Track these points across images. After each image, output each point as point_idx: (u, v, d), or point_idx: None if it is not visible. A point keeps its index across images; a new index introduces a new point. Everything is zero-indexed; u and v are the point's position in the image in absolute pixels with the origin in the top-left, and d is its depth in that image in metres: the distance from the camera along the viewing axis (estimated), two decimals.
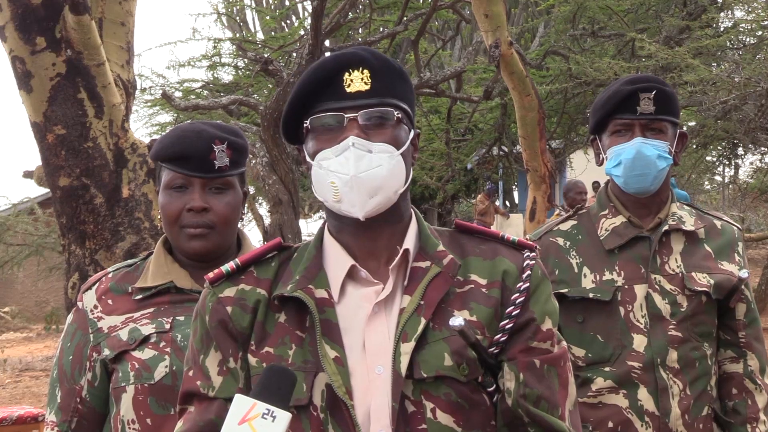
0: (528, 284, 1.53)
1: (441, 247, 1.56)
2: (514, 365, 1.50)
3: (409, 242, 1.55)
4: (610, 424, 2.34)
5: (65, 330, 2.10)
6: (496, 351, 1.50)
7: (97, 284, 2.09)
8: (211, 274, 1.59)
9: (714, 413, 2.39)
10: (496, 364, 1.50)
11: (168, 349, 1.95)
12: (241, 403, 1.38)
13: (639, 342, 2.34)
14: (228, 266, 1.58)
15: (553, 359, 1.53)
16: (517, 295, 1.52)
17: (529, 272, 1.54)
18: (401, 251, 1.53)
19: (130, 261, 2.16)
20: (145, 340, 1.97)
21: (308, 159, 1.55)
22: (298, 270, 1.56)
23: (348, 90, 1.50)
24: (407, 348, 1.46)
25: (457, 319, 1.44)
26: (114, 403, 1.99)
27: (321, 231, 1.61)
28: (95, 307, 2.05)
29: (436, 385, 1.46)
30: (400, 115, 1.53)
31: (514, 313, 1.51)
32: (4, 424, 5.44)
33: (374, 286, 1.53)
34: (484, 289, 1.53)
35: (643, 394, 2.33)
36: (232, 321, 1.54)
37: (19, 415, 5.58)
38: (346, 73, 1.51)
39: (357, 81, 1.51)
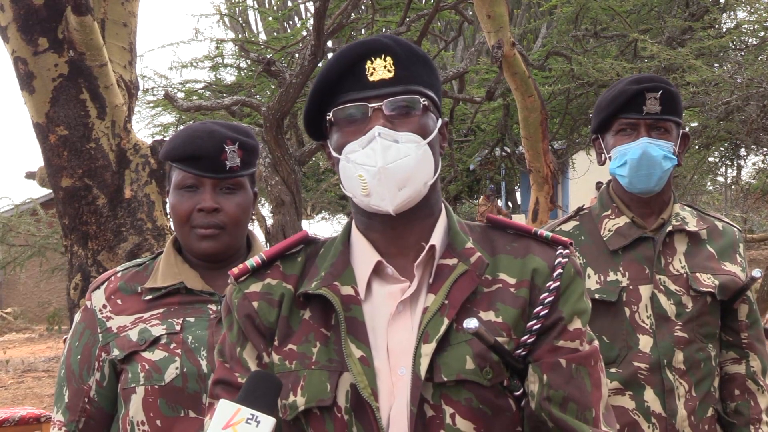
0: (558, 283, 1.47)
1: (470, 244, 1.50)
2: (538, 366, 1.44)
3: (437, 238, 1.49)
4: (617, 426, 2.33)
5: (73, 329, 2.09)
6: (523, 353, 1.45)
7: (106, 284, 2.08)
8: (235, 270, 1.54)
9: (717, 414, 2.39)
10: (524, 367, 1.44)
11: (179, 351, 1.94)
12: (225, 408, 1.37)
13: (645, 343, 2.34)
14: (253, 261, 1.53)
15: (582, 358, 1.46)
16: (546, 294, 1.46)
17: (560, 271, 1.48)
18: (427, 248, 1.48)
19: (138, 260, 2.15)
20: (155, 341, 1.96)
21: (334, 153, 1.49)
22: (324, 266, 1.51)
23: (371, 79, 1.44)
24: (428, 349, 1.41)
25: (471, 321, 1.38)
26: (123, 404, 1.98)
27: (348, 225, 1.55)
28: (104, 306, 2.04)
29: (457, 389, 1.41)
30: (426, 103, 1.47)
31: (542, 314, 1.45)
32: (6, 425, 5.45)
33: (400, 283, 1.48)
34: (512, 289, 1.47)
35: (650, 396, 2.32)
36: (259, 316, 1.49)
37: (22, 416, 5.58)
38: (369, 62, 1.45)
39: (380, 69, 1.45)
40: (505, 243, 1.53)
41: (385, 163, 1.42)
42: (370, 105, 1.45)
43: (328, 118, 1.48)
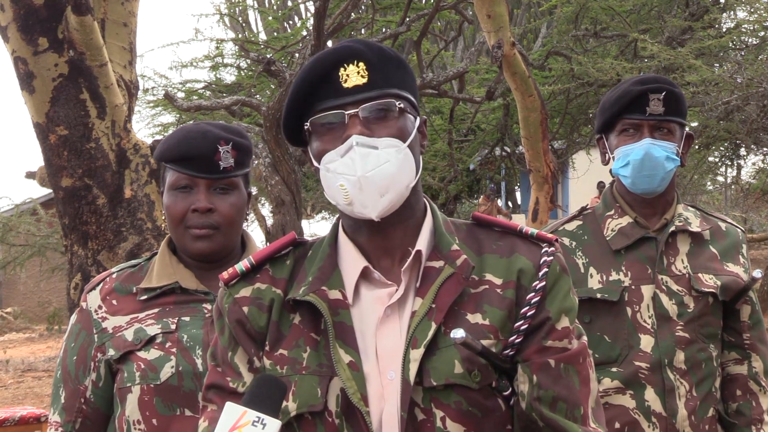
0: (544, 283, 1.47)
1: (455, 246, 1.50)
2: (527, 367, 1.44)
3: (422, 242, 1.50)
4: (617, 425, 2.33)
5: (69, 330, 2.10)
6: (511, 353, 1.45)
7: (101, 284, 2.09)
8: (225, 274, 1.54)
9: (718, 414, 2.39)
10: (512, 367, 1.45)
11: (174, 350, 1.95)
12: (231, 411, 1.37)
13: (646, 342, 2.34)
14: (242, 265, 1.54)
15: (571, 357, 1.46)
16: (533, 294, 1.47)
17: (546, 270, 1.48)
18: (413, 253, 1.48)
19: (134, 261, 2.16)
20: (150, 341, 1.96)
21: (314, 162, 1.49)
22: (311, 270, 1.51)
23: (345, 85, 1.45)
24: (416, 354, 1.42)
25: (458, 332, 1.38)
26: (119, 404, 1.99)
27: (335, 228, 1.56)
28: (99, 307, 2.05)
29: (447, 392, 1.41)
30: (402, 105, 1.47)
31: (528, 314, 1.46)
32: (6, 425, 5.45)
33: (387, 287, 1.48)
34: (498, 290, 1.47)
35: (650, 395, 2.32)
36: (250, 321, 1.50)
37: (22, 415, 5.59)
38: (342, 68, 1.45)
39: (353, 75, 1.45)
40: (491, 242, 1.53)
41: (365, 171, 1.42)
42: (346, 112, 1.45)
43: (306, 127, 1.49)
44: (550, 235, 1.54)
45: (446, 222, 1.55)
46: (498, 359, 1.44)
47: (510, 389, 1.46)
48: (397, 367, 1.43)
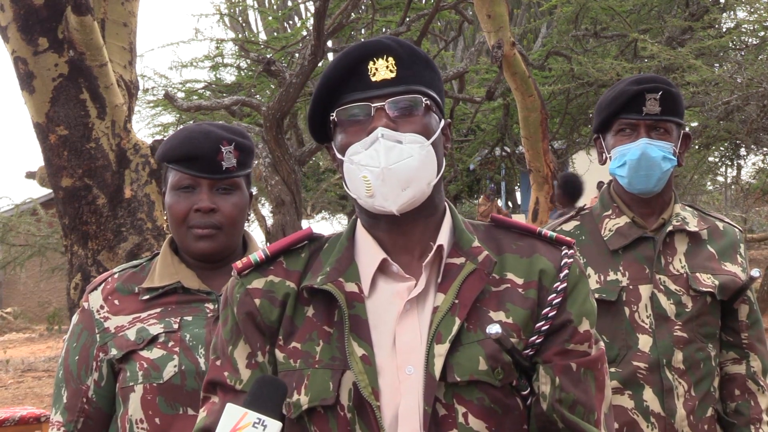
0: (565, 284, 1.48)
1: (476, 243, 1.51)
2: (549, 368, 1.45)
3: (443, 237, 1.50)
4: (616, 425, 2.33)
5: (71, 330, 2.11)
6: (530, 353, 1.46)
7: (103, 285, 2.09)
8: (239, 264, 1.54)
9: (717, 414, 2.39)
10: (531, 367, 1.46)
11: (177, 349, 1.95)
12: (232, 413, 1.37)
13: (644, 342, 2.34)
14: (257, 256, 1.54)
15: (591, 362, 1.48)
16: (554, 295, 1.47)
17: (566, 271, 1.49)
18: (435, 247, 1.48)
19: (135, 261, 2.16)
20: (153, 340, 1.97)
21: (338, 155, 1.50)
22: (328, 262, 1.51)
23: (373, 79, 1.46)
24: (441, 350, 1.42)
25: (494, 327, 1.39)
26: (121, 403, 1.99)
27: (353, 223, 1.56)
28: (101, 307, 2.06)
29: (470, 389, 1.42)
30: (428, 102, 1.49)
31: (550, 315, 1.46)
32: (6, 425, 5.45)
33: (406, 281, 1.48)
34: (520, 290, 1.48)
35: (649, 395, 2.32)
36: (261, 314, 1.50)
37: (22, 415, 5.59)
38: (371, 62, 1.46)
39: (382, 69, 1.46)
40: (511, 242, 1.54)
41: (388, 163, 1.43)
42: (372, 105, 1.46)
43: (331, 118, 1.49)
44: (568, 239, 1.55)
45: (465, 222, 1.56)
46: (522, 358, 1.44)
47: (528, 389, 1.46)
48: (417, 362, 1.43)
